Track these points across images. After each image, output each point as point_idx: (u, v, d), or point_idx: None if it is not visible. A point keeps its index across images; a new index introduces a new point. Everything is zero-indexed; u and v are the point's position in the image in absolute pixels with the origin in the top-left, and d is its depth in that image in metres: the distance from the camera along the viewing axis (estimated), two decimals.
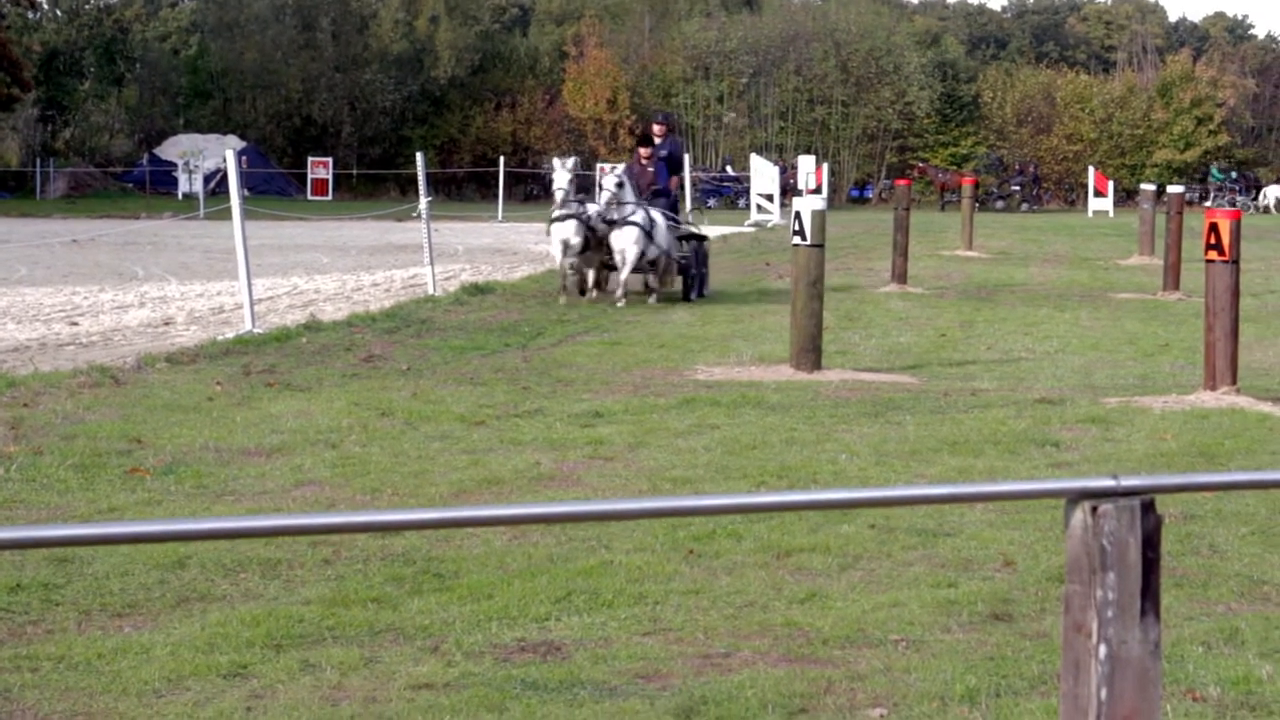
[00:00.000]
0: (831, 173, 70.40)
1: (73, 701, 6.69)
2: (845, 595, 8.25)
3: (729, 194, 69.75)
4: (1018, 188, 75.73)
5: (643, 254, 23.99)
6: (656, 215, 24.40)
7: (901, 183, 32.30)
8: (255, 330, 19.32)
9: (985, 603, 8.10)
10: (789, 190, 53.05)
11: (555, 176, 24.44)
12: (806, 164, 56.91)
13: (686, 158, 27.24)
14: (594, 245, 24.30)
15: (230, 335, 19.09)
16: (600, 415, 13.86)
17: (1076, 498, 4.09)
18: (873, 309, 24.31)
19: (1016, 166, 79.08)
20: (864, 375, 16.74)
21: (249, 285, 19.90)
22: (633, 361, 17.59)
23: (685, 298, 25.12)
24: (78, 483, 10.77)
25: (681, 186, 27.61)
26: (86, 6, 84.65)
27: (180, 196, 65.92)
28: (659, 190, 25.39)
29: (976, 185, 51.22)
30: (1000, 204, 74.12)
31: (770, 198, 52.54)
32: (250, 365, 16.60)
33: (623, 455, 12.12)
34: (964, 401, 15.00)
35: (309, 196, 69.26)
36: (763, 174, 53.90)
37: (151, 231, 43.77)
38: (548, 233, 24.84)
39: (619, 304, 23.73)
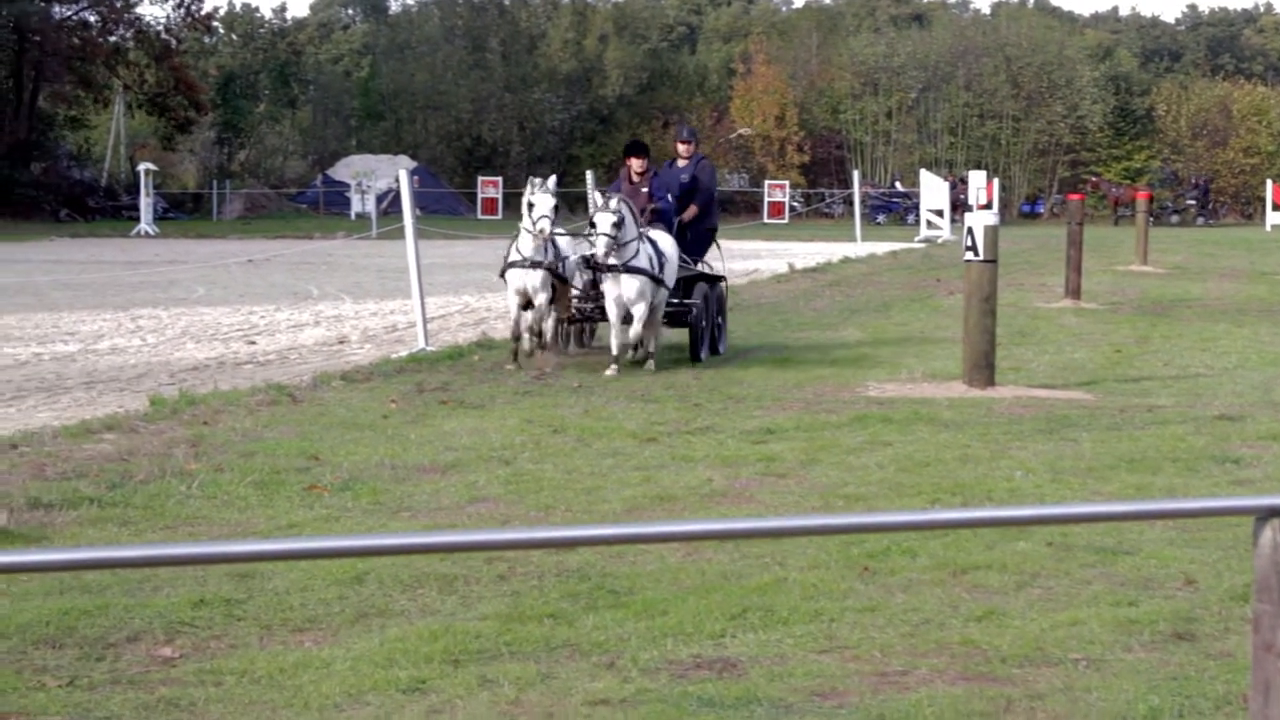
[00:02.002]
0: (1002, 188, 69.86)
1: (255, 715, 6.78)
2: (1023, 613, 8.17)
3: (897, 210, 69.44)
4: (1193, 201, 74.69)
5: (651, 305, 18.47)
6: (666, 245, 18.86)
7: (1074, 197, 31.94)
8: (428, 348, 19.49)
9: (1167, 621, 7.98)
10: (959, 206, 52.72)
11: (535, 201, 18.33)
12: (977, 179, 56.50)
13: (724, 182, 18.65)
14: (559, 292, 18.89)
15: (404, 353, 19.27)
16: (772, 432, 13.83)
17: (1266, 515, 4.03)
18: (1046, 325, 24.05)
19: (1191, 180, 78.01)
20: (1038, 392, 16.57)
21: (422, 303, 20.09)
22: (804, 378, 17.53)
23: (694, 356, 19.20)
24: (257, 499, 10.92)
25: (701, 219, 20.37)
26: (261, 30, 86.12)
27: (353, 216, 66.70)
28: (656, 215, 19.34)
29: (1151, 199, 50.58)
30: (1175, 218, 73.16)
31: (940, 213, 52.26)
32: (424, 383, 16.75)
33: (795, 472, 12.08)
34: (1141, 418, 14.80)
35: (479, 215, 69.84)
36: (932, 189, 53.63)
37: (325, 251, 44.33)
38: (502, 277, 18.81)
39: (610, 372, 17.84)
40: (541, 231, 18.09)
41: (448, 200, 72.14)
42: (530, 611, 8.17)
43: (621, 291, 18.18)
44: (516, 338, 18.43)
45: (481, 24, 79.86)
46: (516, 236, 18.59)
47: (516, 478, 11.75)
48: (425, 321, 20.11)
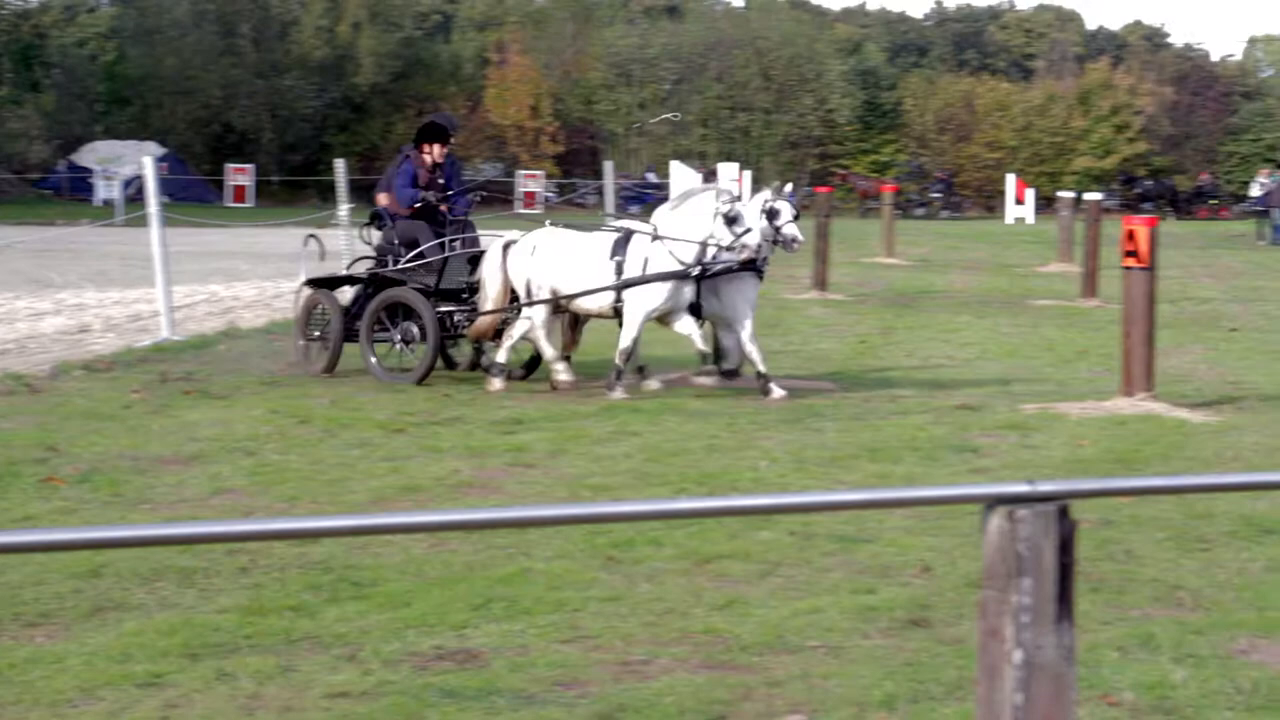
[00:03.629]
0: (754, 180, 70.54)
1: None
2: (764, 602, 8.25)
3: (651, 201, 69.77)
4: (938, 195, 76.00)
5: None
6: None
7: (822, 190, 32.35)
8: (173, 338, 19.19)
9: (903, 609, 8.12)
10: None
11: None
12: (728, 171, 56.98)
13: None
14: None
15: (148, 343, 18.95)
16: (520, 422, 13.83)
17: (993, 503, 4.10)
18: (792, 316, 24.32)
19: (937, 174, 79.40)
20: (785, 382, 16.74)
21: (167, 292, 19.76)
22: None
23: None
24: None
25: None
26: (3, 12, 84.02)
27: (98, 203, 65.41)
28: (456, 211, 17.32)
29: (897, 192, 51.39)
30: (920, 211, 74.36)
31: None
32: (167, 373, 16.48)
33: (542, 462, 12.10)
34: (883, 408, 15.04)
35: (229, 203, 68.85)
36: (685, 181, 53.90)
37: (68, 238, 43.35)
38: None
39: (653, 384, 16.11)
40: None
41: (196, 187, 70.96)
42: (271, 604, 8.08)
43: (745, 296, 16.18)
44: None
45: (232, 9, 78.64)
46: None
47: (261, 469, 11.62)
48: (170, 310, 19.79)
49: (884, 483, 11.40)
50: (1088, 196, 31.96)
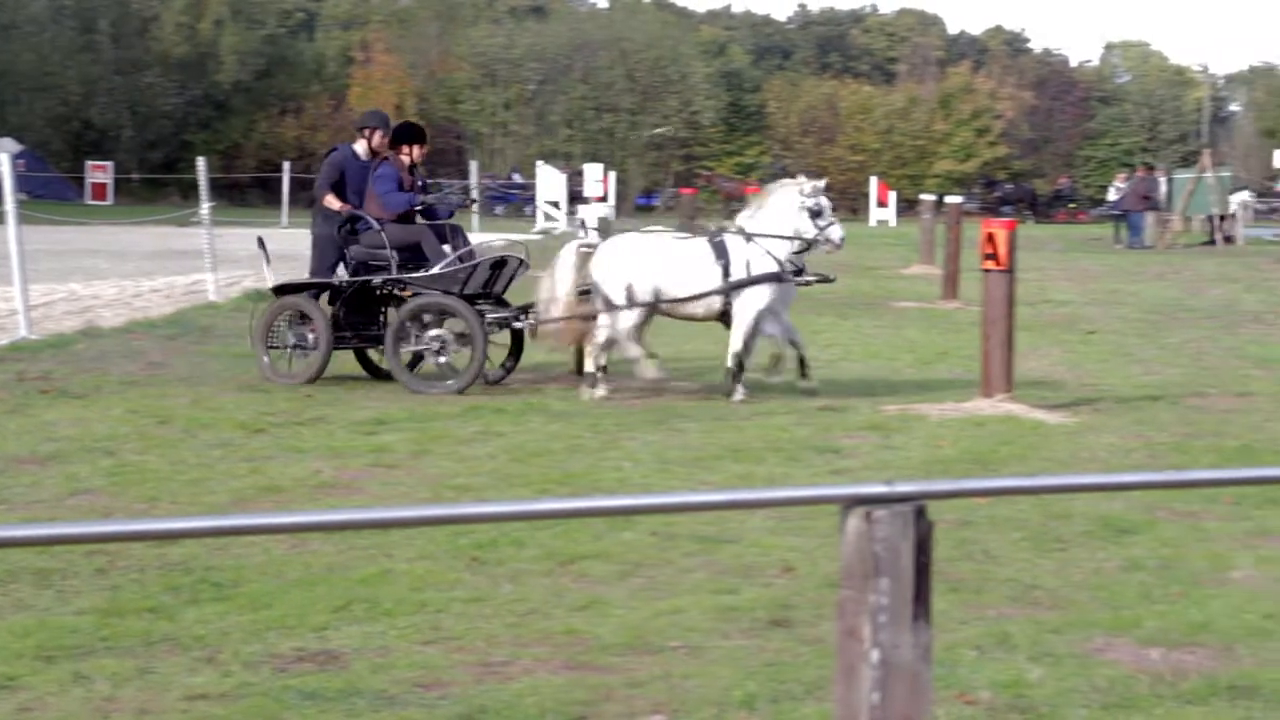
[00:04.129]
0: (619, 181, 70.62)
1: None
2: (626, 602, 8.27)
3: (515, 201, 69.61)
4: None
5: None
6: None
7: (687, 191, 32.46)
8: (30, 336, 18.94)
9: (765, 609, 8.16)
10: (576, 198, 53.08)
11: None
12: (594, 172, 57.00)
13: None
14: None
15: (4, 342, 18.69)
16: (383, 422, 13.78)
17: (851, 504, 4.13)
18: (661, 318, 24.29)
19: (800, 176, 79.86)
20: (650, 381, 16.76)
21: (24, 290, 19.50)
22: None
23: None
24: None
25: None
26: None
27: None
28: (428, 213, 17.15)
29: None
30: None
31: (557, 205, 52.55)
32: (24, 372, 16.26)
33: (405, 463, 12.05)
34: (746, 409, 15.11)
35: (88, 201, 68.06)
36: (550, 182, 53.91)
37: None
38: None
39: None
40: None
41: (56, 185, 70.11)
42: (130, 606, 8.00)
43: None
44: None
45: (91, 5, 77.80)
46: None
47: (120, 469, 11.50)
48: (28, 309, 19.53)
49: (747, 483, 11.45)
50: (949, 199, 32.29)
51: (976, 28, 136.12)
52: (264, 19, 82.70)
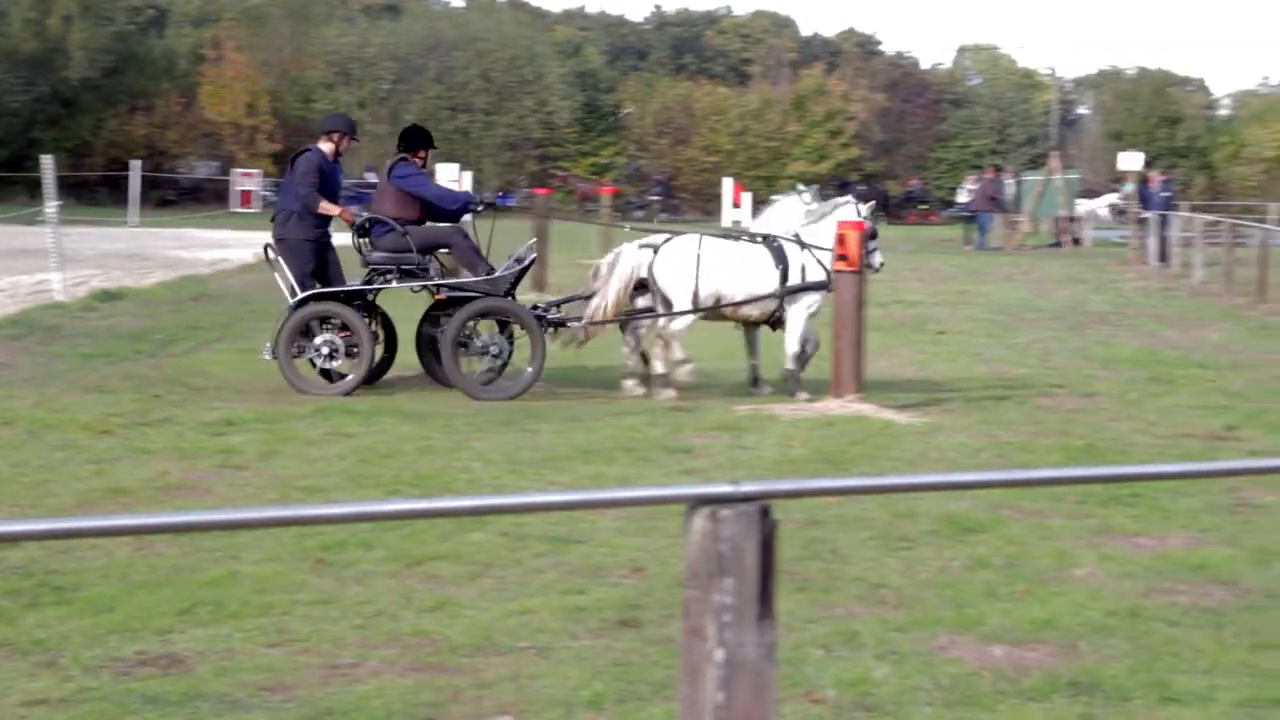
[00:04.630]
0: (474, 180, 70.42)
1: None
2: (475, 603, 8.24)
3: (369, 200, 69.21)
4: (656, 198, 76.56)
5: None
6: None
7: (541, 191, 32.43)
8: None
9: (614, 609, 8.16)
10: None
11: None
12: (448, 172, 56.84)
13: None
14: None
15: None
16: (232, 424, 13.64)
17: (696, 503, 4.13)
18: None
19: (655, 177, 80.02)
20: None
21: None
22: (267, 369, 17.32)
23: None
24: None
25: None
26: None
27: None
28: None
29: (616, 195, 51.72)
30: (639, 214, 74.86)
31: None
32: None
33: (254, 464, 11.94)
34: (599, 409, 15.12)
35: None
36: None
37: None
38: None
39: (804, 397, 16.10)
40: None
41: None
42: None
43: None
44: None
45: None
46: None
47: None
48: None
49: (597, 483, 11.45)
50: None
51: (829, 30, 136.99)
52: (113, 15, 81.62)
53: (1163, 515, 10.79)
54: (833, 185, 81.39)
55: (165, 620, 7.78)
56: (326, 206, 16.73)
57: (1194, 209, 48.60)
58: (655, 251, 16.64)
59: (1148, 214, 42.68)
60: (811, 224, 16.82)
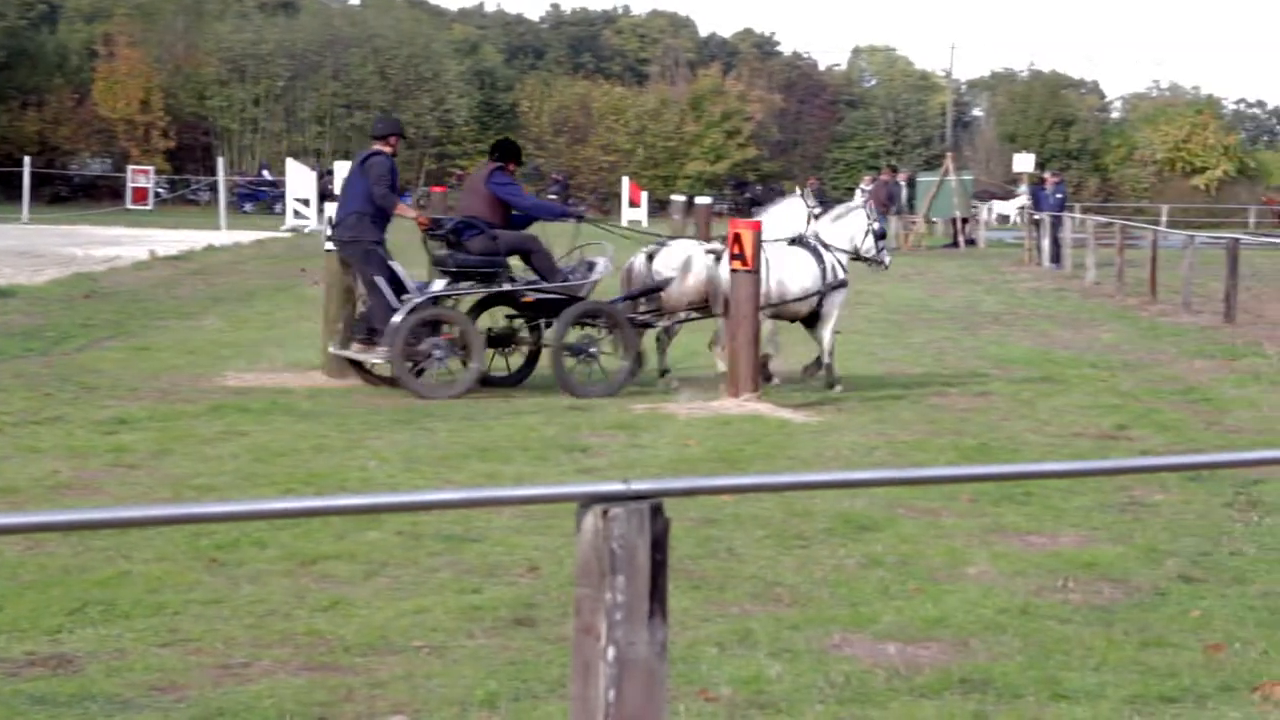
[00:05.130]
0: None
1: None
2: (369, 602, 8.21)
3: (265, 198, 68.80)
4: (554, 196, 76.50)
5: None
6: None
7: (437, 189, 32.37)
8: None
9: (509, 608, 8.15)
10: (327, 195, 52.54)
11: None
12: (344, 170, 56.56)
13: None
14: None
15: None
16: (124, 422, 13.53)
17: (587, 502, 4.13)
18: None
19: (553, 175, 79.99)
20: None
21: None
22: (162, 367, 17.22)
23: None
24: None
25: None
26: None
27: None
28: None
29: None
30: None
31: (307, 203, 52.02)
32: None
33: (146, 463, 11.85)
34: (495, 408, 15.09)
35: None
36: (300, 179, 53.33)
37: None
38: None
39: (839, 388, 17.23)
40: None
41: None
42: None
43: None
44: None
45: None
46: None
47: None
48: None
49: (494, 482, 11.43)
50: (699, 200, 32.53)
51: (727, 30, 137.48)
52: (4, 10, 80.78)
53: (1054, 514, 10.89)
54: (729, 185, 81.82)
55: (55, 620, 7.71)
56: (403, 209, 17.16)
57: (1086, 210, 49.08)
58: (718, 259, 16.95)
59: (1040, 215, 43.05)
60: (831, 224, 17.95)
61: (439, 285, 16.61)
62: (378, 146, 17.10)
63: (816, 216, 17.90)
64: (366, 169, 16.80)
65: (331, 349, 16.74)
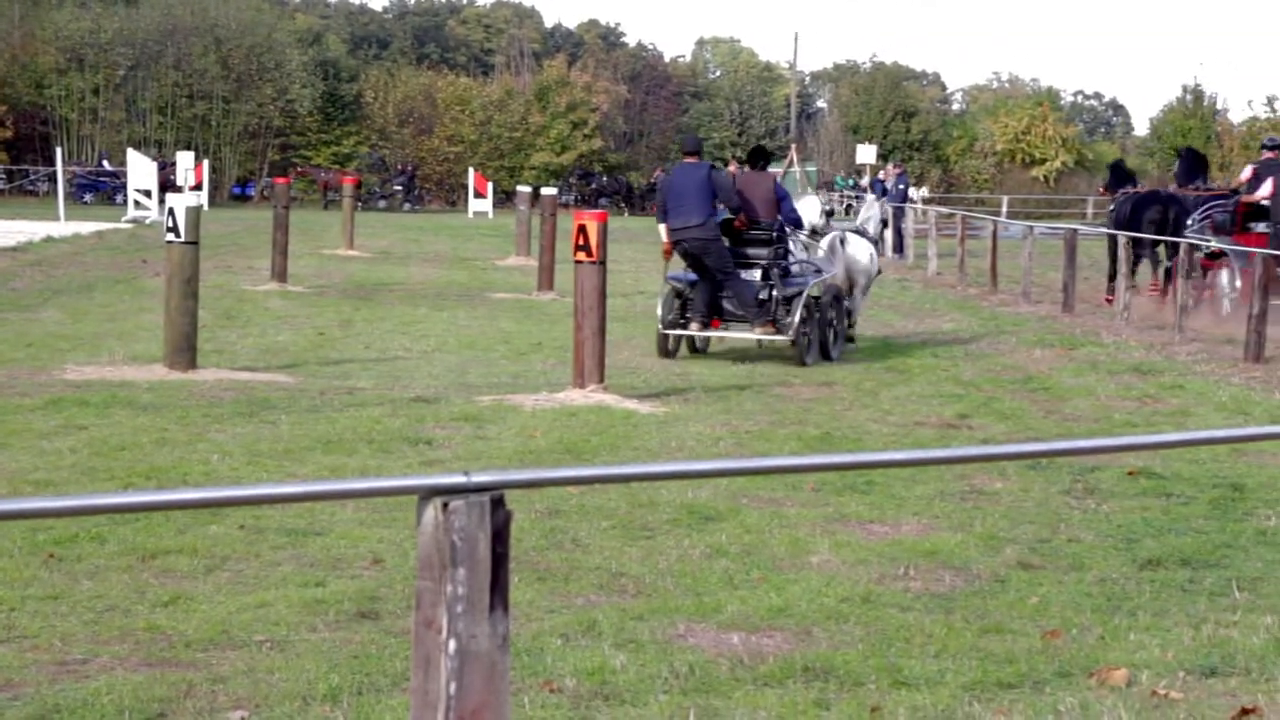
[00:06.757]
0: (213, 170, 69.48)
1: None
2: (211, 597, 8.14)
3: (105, 189, 67.94)
4: (400, 188, 76.17)
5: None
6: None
7: (281, 181, 32.12)
8: None
9: (352, 601, 8.11)
10: (169, 186, 52.04)
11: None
12: (186, 160, 56.01)
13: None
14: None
15: None
16: None
17: (428, 494, 4.11)
18: (251, 308, 24.08)
19: (398, 166, 79.59)
20: (240, 374, 16.58)
21: None
22: None
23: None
24: None
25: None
26: None
27: None
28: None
29: (358, 185, 51.37)
30: (383, 203, 74.44)
31: (148, 193, 51.44)
32: None
33: None
34: (340, 400, 15.01)
35: None
36: (141, 170, 52.71)
37: None
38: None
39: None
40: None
41: None
42: None
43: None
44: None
45: None
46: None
47: None
48: None
49: (338, 475, 11.35)
50: (545, 191, 32.51)
51: (572, 21, 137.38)
52: None
53: (896, 502, 11.00)
54: (575, 176, 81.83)
55: None
56: (742, 217, 19.85)
57: (928, 201, 49.51)
58: (843, 242, 21.40)
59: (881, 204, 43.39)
60: (862, 218, 23.20)
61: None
62: (693, 160, 19.82)
63: (829, 214, 22.14)
64: (712, 181, 19.42)
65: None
